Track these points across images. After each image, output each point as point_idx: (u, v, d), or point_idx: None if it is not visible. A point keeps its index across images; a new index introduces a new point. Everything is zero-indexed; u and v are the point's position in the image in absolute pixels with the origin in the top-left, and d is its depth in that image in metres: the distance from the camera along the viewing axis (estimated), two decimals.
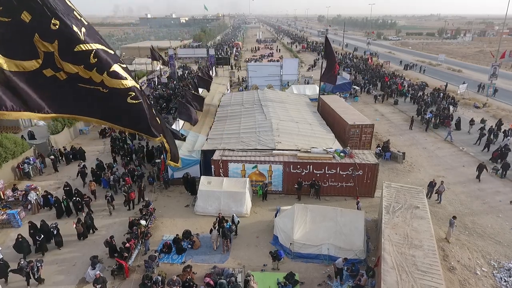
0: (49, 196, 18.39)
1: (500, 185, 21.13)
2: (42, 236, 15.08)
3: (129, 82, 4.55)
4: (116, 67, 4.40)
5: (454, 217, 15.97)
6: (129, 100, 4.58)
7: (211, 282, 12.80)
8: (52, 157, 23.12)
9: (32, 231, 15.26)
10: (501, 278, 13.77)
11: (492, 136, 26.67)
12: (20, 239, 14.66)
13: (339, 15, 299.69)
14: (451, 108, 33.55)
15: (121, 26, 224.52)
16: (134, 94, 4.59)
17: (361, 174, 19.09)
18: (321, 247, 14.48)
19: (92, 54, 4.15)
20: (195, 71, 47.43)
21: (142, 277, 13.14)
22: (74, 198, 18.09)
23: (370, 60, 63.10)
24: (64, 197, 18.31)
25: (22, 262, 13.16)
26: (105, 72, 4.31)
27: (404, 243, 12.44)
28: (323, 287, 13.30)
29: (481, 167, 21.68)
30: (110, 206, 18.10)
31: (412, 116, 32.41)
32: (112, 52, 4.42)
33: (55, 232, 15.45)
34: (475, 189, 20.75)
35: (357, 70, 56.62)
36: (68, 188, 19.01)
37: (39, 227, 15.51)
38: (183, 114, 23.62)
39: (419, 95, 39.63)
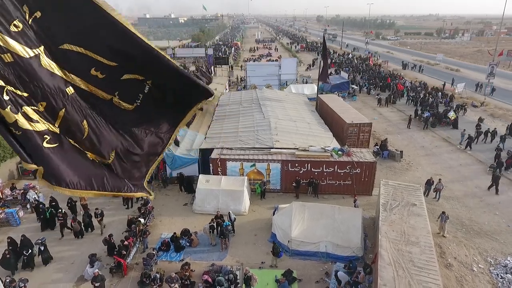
0: (40, 205, 17.23)
1: None
2: (30, 250, 14.03)
3: (42, 126, 4.05)
4: (28, 109, 3.92)
5: (443, 212, 16.30)
6: (45, 144, 4.07)
7: (209, 280, 12.86)
8: None
9: (11, 247, 14.12)
10: (497, 274, 13.86)
11: (477, 135, 26.82)
12: (8, 255, 13.71)
13: (337, 15, 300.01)
14: (452, 113, 31.71)
15: None
16: (49, 137, 4.12)
17: (359, 172, 19.16)
18: (318, 244, 14.55)
19: (5, 91, 3.73)
20: (192, 72, 47.40)
21: (140, 275, 13.21)
22: (60, 210, 16.78)
23: (370, 60, 62.89)
24: (48, 207, 17.02)
25: (7, 280, 12.38)
26: (18, 113, 3.84)
27: (401, 240, 12.52)
28: (320, 284, 13.36)
29: (496, 179, 19.85)
30: (100, 224, 16.57)
31: (410, 115, 32.48)
32: (26, 95, 3.95)
33: (42, 249, 14.28)
34: (472, 187, 20.84)
35: (356, 71, 56.36)
36: (54, 203, 17.31)
37: (20, 243, 14.22)
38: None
39: (421, 96, 38.97)
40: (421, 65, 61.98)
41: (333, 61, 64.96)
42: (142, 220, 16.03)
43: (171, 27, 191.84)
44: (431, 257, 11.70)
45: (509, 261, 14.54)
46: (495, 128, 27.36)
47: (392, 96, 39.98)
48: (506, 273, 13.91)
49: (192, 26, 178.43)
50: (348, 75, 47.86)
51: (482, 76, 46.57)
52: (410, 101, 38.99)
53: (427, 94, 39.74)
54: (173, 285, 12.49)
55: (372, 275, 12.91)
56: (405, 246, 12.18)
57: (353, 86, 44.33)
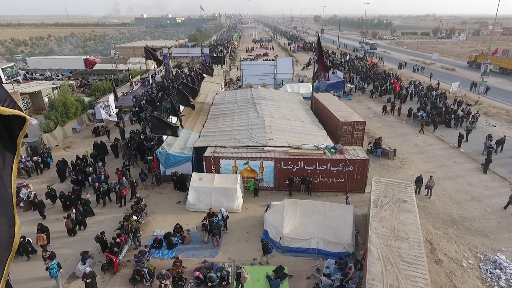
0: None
1: (488, 180, 21.41)
2: None
3: None
4: None
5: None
6: None
7: (201, 276, 12.94)
8: (35, 158, 23.00)
9: None
10: (486, 270, 14.00)
11: (466, 133, 27.00)
12: None
13: (335, 15, 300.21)
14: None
15: (117, 26, 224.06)
16: None
17: (352, 169, 19.27)
18: (310, 241, 14.64)
19: None
20: (187, 74, 47.24)
21: (132, 272, 13.25)
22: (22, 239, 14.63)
23: (370, 60, 62.71)
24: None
25: None
26: None
27: (390, 235, 12.61)
28: (311, 280, 13.44)
29: None
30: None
31: (422, 118, 31.42)
32: None
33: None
34: (464, 184, 21.00)
35: (353, 71, 56.13)
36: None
37: None
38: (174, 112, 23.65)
39: (424, 98, 38.06)
40: (416, 64, 62.01)
41: (332, 61, 64.47)
42: (135, 217, 16.05)
43: (168, 27, 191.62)
44: (419, 252, 11.80)
45: (498, 256, 14.68)
46: (504, 136, 26.02)
47: (401, 103, 37.19)
48: (495, 269, 14.05)
49: (189, 26, 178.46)
50: (344, 75, 47.89)
51: (477, 75, 46.81)
52: (423, 106, 34.69)
53: (438, 100, 38.33)
54: (164, 281, 12.54)
55: (363, 271, 13.01)
56: (395, 241, 12.27)
57: (348, 85, 44.40)
